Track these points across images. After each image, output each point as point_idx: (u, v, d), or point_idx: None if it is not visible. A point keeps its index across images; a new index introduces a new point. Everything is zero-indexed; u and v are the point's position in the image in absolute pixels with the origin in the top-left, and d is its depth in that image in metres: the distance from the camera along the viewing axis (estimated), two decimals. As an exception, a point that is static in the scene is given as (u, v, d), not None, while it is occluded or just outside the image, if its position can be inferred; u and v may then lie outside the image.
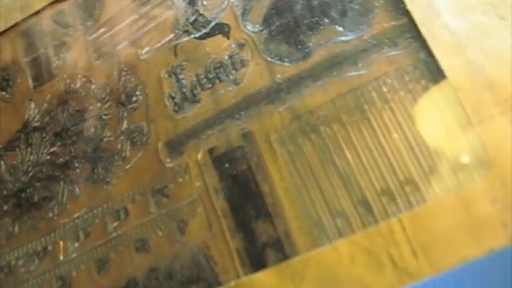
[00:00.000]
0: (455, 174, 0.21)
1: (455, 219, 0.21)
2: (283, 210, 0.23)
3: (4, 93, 0.31)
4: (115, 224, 0.26)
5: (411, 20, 0.23)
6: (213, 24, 0.27)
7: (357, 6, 0.24)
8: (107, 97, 0.28)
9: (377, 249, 0.21)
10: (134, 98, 0.27)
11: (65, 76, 0.29)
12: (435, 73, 0.23)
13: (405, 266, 0.21)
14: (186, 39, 0.27)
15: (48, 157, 0.28)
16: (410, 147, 0.22)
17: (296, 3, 0.26)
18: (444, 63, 0.22)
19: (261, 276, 0.22)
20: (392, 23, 0.24)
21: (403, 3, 0.24)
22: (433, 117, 0.22)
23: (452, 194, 0.21)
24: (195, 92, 0.26)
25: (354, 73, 0.24)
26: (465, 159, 0.22)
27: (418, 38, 0.23)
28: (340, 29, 0.24)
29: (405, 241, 0.21)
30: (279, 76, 0.25)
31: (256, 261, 0.23)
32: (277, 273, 0.22)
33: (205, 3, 0.27)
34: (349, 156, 0.23)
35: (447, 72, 0.22)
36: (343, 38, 0.24)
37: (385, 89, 0.23)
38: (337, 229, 0.22)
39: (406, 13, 0.24)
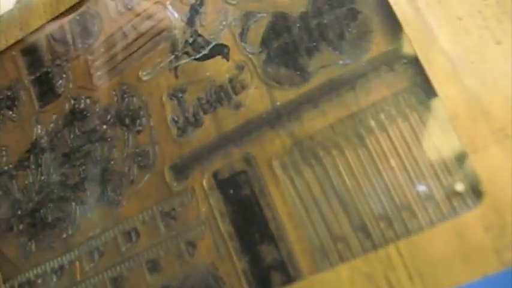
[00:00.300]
0: (450, 202, 0.22)
1: (450, 245, 0.22)
2: (286, 234, 0.24)
3: (11, 112, 0.31)
4: (127, 245, 0.27)
5: (408, 45, 0.24)
6: (212, 45, 0.27)
7: (354, 30, 0.25)
8: (112, 119, 0.28)
9: (375, 274, 0.23)
10: (138, 121, 0.28)
11: (69, 96, 0.30)
12: (431, 99, 0.23)
13: (402, 289, 0.22)
14: (186, 60, 0.27)
15: (59, 178, 0.29)
16: (407, 174, 0.23)
17: (294, 24, 0.26)
18: (440, 90, 0.23)
19: (266, 298, 0.24)
20: (389, 47, 0.24)
21: (400, 26, 0.24)
22: (429, 144, 0.23)
23: (447, 221, 0.22)
24: (198, 116, 0.27)
25: (352, 98, 0.24)
26: (460, 187, 0.22)
27: (415, 62, 0.23)
28: (338, 53, 0.25)
29: (402, 266, 0.22)
30: (278, 102, 0.25)
31: (262, 283, 0.24)
32: (282, 295, 0.24)
33: (203, 23, 0.27)
34: (348, 181, 0.24)
35: (443, 100, 0.22)
36: (341, 62, 0.25)
37: (382, 116, 0.24)
38: (338, 253, 0.24)
39: (403, 37, 0.24)
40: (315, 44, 0.25)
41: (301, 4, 0.25)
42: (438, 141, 0.23)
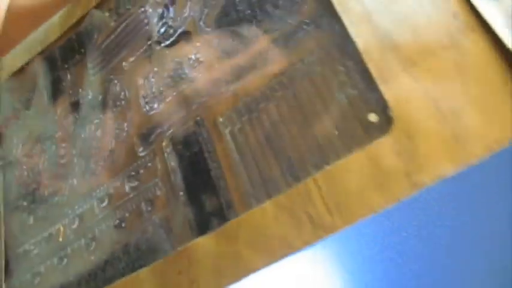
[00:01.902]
0: (364, 132, 0.23)
1: (364, 174, 0.22)
2: (226, 183, 0.26)
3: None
4: (100, 208, 0.30)
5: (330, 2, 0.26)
6: (178, 32, 0.31)
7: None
8: (99, 104, 0.33)
9: (297, 208, 0.23)
10: (118, 103, 0.32)
11: (70, 92, 0.35)
12: (348, 44, 0.24)
13: (321, 222, 0.22)
14: (158, 48, 0.31)
15: (56, 159, 0.33)
16: (328, 113, 0.24)
17: (240, 2, 0.29)
18: (353, 31, 0.24)
19: (202, 240, 0.25)
20: (318, 8, 0.26)
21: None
22: (343, 82, 0.24)
23: (361, 150, 0.22)
24: (161, 90, 0.30)
25: (285, 57, 0.26)
26: (373, 117, 0.23)
27: (336, 16, 0.25)
28: (274, 20, 0.27)
29: (320, 199, 0.23)
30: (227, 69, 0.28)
31: (202, 228, 0.26)
32: (216, 236, 0.25)
33: (171, 15, 0.32)
34: (281, 130, 0.25)
35: (356, 39, 0.24)
36: (276, 27, 0.27)
37: (310, 68, 0.25)
38: (267, 195, 0.25)
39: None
40: (255, 15, 0.28)
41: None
42: (352, 78, 0.24)
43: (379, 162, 0.22)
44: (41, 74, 0.37)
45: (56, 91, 0.36)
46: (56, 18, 0.37)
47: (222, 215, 0.25)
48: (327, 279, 0.30)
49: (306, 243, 0.23)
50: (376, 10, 0.24)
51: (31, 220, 0.33)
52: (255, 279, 0.24)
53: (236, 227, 0.24)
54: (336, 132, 0.24)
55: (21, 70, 0.38)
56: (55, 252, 0.31)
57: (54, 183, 0.33)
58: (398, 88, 0.22)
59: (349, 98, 0.24)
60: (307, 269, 0.29)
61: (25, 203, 0.34)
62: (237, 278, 0.24)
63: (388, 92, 0.22)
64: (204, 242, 0.25)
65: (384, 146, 0.22)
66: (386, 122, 0.22)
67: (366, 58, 0.23)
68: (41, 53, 0.38)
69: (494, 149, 0.20)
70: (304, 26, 0.26)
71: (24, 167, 0.35)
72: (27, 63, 0.38)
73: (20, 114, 0.37)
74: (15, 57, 0.39)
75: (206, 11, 0.30)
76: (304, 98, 0.25)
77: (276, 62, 0.27)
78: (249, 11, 0.28)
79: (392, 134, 0.22)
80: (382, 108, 0.23)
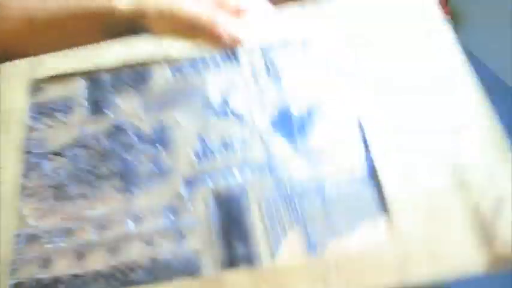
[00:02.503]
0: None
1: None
2: (256, 236, 0.34)
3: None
4: (134, 223, 0.35)
5: None
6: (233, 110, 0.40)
7: None
8: (148, 138, 0.39)
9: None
10: (166, 141, 0.38)
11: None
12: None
13: None
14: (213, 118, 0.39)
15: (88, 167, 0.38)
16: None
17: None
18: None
19: (235, 274, 0.32)
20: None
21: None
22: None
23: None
24: (213, 152, 0.38)
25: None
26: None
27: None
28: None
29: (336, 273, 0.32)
30: None
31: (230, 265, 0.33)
32: (248, 274, 0.32)
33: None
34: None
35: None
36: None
37: None
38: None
39: None
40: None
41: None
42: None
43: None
44: (85, 89, 0.41)
45: (97, 108, 0.41)
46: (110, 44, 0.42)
47: (249, 260, 0.33)
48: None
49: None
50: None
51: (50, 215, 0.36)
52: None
53: (271, 271, 0.32)
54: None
55: (62, 77, 0.42)
56: (71, 248, 0.34)
57: (78, 185, 0.37)
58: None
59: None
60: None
61: (45, 193, 0.36)
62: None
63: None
64: (237, 277, 0.32)
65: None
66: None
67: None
68: (87, 71, 0.42)
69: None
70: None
71: (50, 167, 0.38)
72: (70, 74, 0.42)
73: (55, 121, 0.40)
74: (57, 61, 0.42)
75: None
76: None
77: None
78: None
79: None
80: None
